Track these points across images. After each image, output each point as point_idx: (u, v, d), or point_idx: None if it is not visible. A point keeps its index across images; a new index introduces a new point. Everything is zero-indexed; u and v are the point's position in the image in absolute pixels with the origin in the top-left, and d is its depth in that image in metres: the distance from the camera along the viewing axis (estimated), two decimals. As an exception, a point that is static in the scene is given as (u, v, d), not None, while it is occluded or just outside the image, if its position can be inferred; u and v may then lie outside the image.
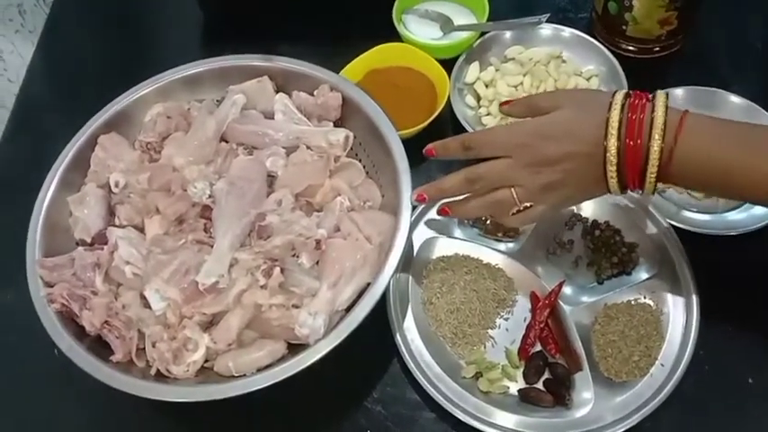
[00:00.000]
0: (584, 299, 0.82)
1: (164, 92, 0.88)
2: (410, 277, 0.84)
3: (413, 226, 0.85)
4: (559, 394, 0.76)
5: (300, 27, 1.06)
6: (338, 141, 0.82)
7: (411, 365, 0.78)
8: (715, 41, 1.02)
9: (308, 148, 0.83)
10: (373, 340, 0.78)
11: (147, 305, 0.75)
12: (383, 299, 0.74)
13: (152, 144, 0.85)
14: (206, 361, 0.74)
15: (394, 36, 1.00)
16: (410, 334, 0.80)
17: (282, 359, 0.72)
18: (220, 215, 0.77)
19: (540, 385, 0.78)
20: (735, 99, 0.92)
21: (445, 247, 0.86)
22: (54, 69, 1.10)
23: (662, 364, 0.77)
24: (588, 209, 0.87)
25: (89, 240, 0.80)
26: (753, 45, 1.01)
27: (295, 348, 0.73)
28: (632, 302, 0.81)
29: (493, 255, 0.85)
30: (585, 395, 0.76)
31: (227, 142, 0.85)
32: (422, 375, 0.77)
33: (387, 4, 1.01)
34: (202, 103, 0.88)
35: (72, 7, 1.16)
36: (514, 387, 0.78)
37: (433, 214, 0.87)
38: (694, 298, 0.79)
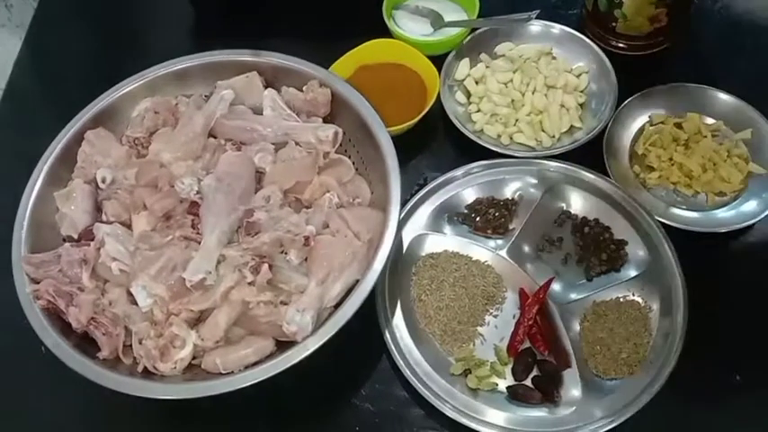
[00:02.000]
0: (573, 296, 0.82)
1: (152, 87, 0.88)
2: (399, 274, 0.83)
3: (402, 223, 0.84)
4: (548, 391, 0.76)
5: (290, 23, 1.06)
6: (327, 138, 0.82)
7: (400, 362, 0.78)
8: (704, 39, 1.03)
9: (297, 144, 0.83)
10: (362, 337, 0.77)
11: (134, 302, 0.74)
12: (372, 296, 0.74)
13: (139, 139, 0.84)
14: (193, 358, 0.73)
15: (384, 32, 1.00)
16: (399, 331, 0.80)
17: (270, 356, 0.72)
18: (208, 211, 0.77)
19: (528, 382, 0.78)
20: (723, 96, 0.92)
21: (434, 244, 0.86)
22: (41, 64, 1.09)
23: (650, 362, 0.77)
24: (578, 206, 0.87)
25: (76, 236, 0.79)
26: (742, 43, 1.02)
27: (283, 345, 0.72)
28: (621, 300, 0.81)
29: (482, 252, 0.85)
30: (574, 392, 0.76)
31: (215, 138, 0.84)
32: (410, 372, 0.77)
33: (377, 0, 1.01)
34: (190, 98, 0.87)
35: (59, 1, 1.15)
36: (503, 384, 0.78)
37: (422, 211, 0.87)
38: (682, 295, 0.79)
